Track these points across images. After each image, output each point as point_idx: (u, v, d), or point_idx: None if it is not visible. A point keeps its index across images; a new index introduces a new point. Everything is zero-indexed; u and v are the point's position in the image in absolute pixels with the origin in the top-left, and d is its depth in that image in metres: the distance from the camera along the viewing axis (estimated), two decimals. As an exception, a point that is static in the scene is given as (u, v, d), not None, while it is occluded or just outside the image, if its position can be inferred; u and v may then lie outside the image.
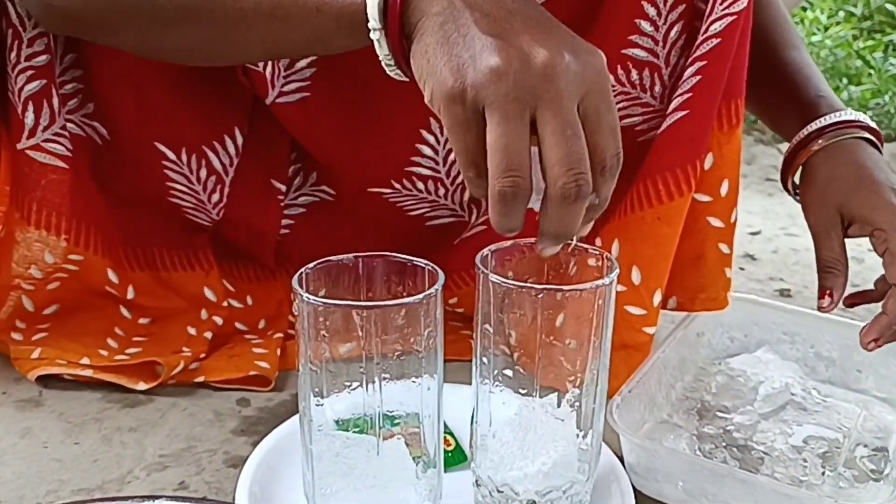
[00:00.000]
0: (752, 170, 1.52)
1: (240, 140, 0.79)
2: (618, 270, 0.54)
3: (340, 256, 0.54)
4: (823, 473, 0.64)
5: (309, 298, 0.49)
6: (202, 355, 0.79)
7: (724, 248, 0.77)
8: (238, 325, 0.84)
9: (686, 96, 0.69)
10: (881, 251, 0.73)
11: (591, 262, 0.56)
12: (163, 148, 0.78)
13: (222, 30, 0.61)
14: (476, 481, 0.59)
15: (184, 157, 0.78)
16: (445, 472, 0.59)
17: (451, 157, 0.79)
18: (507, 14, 0.51)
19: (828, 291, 0.75)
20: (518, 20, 0.51)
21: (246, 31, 0.60)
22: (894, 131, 1.73)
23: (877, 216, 0.73)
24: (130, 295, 0.82)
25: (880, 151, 0.78)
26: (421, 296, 0.50)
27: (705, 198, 0.75)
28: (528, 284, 0.52)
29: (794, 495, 0.58)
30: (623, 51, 0.71)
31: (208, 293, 0.84)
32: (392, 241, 0.84)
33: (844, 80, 1.94)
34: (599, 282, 0.53)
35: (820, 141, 0.77)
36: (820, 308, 0.75)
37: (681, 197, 0.71)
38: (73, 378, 0.76)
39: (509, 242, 0.57)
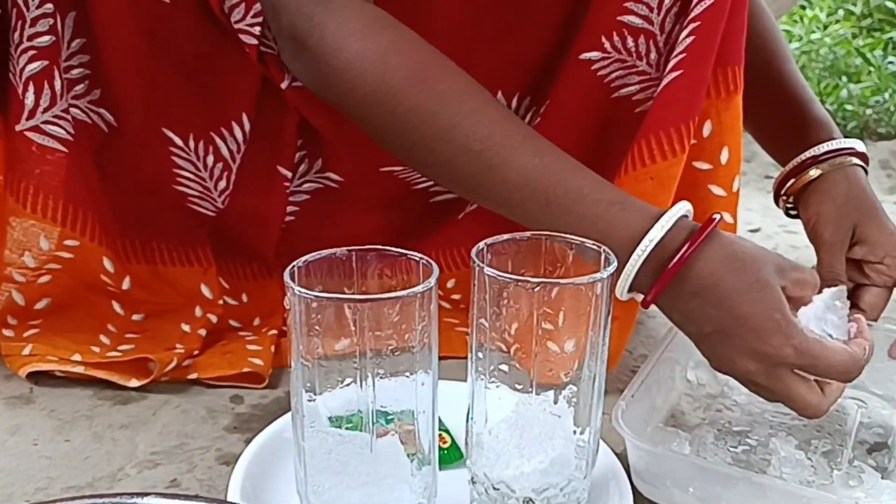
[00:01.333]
0: (751, 167, 1.51)
1: (247, 126, 0.78)
2: (615, 264, 0.53)
3: (333, 250, 0.53)
4: (831, 473, 0.63)
5: (301, 292, 0.48)
6: (195, 352, 0.78)
7: (727, 217, 0.76)
8: (232, 322, 0.83)
9: (680, 57, 0.69)
10: (886, 279, 0.77)
11: (589, 255, 0.56)
12: (170, 134, 0.77)
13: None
14: (472, 479, 0.58)
15: (191, 144, 0.78)
16: (441, 469, 0.58)
17: None
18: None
19: None
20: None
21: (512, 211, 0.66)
22: (894, 129, 1.72)
23: (892, 245, 0.77)
24: (126, 286, 0.81)
25: None
26: (415, 289, 0.49)
27: (705, 165, 0.75)
28: (525, 278, 0.51)
29: (814, 497, 0.57)
30: (618, 17, 0.72)
31: (205, 290, 0.84)
32: (396, 222, 0.85)
33: (844, 78, 1.93)
34: (597, 275, 0.52)
35: (838, 160, 0.79)
36: None
37: (673, 157, 0.71)
38: (64, 375, 0.75)
39: (506, 236, 0.56)
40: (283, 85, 0.73)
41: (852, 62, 2.01)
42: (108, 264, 0.80)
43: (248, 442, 0.63)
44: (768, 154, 0.89)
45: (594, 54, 0.74)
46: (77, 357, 0.76)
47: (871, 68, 1.91)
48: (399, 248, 0.54)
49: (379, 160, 0.79)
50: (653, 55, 0.73)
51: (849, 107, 1.80)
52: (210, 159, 0.79)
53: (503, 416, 0.55)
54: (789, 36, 2.06)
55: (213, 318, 0.82)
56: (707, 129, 0.74)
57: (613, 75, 0.75)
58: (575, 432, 0.55)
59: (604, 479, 0.61)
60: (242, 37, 0.70)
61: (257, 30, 0.70)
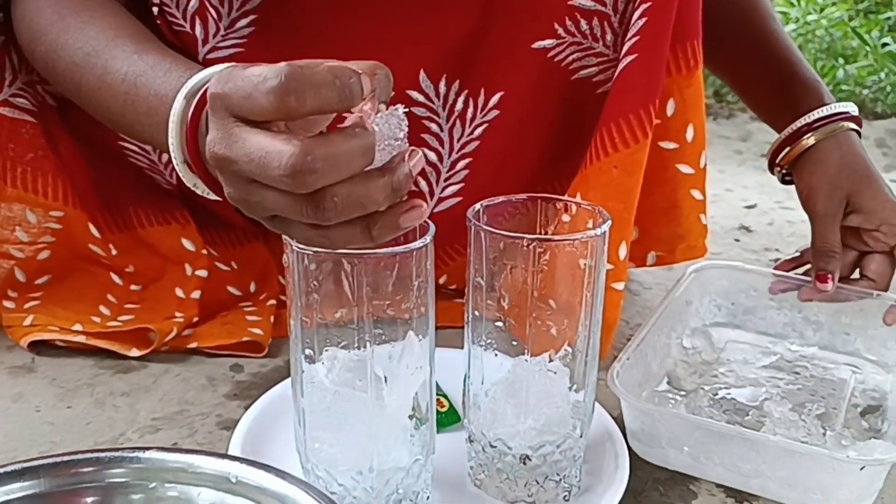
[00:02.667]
0: (747, 146, 1.52)
1: None
2: (610, 222, 0.54)
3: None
4: (824, 434, 0.64)
5: (299, 248, 0.49)
6: (195, 319, 0.78)
7: (696, 194, 0.77)
8: (231, 290, 0.83)
9: (633, 40, 0.68)
10: (884, 245, 0.77)
11: (585, 216, 0.56)
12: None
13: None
14: (469, 437, 0.58)
15: None
16: (439, 432, 0.59)
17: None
18: None
19: (829, 275, 0.76)
20: None
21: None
22: (890, 108, 1.73)
23: (888, 212, 0.76)
24: (114, 252, 0.81)
25: None
26: (411, 245, 0.49)
27: (671, 145, 0.75)
28: (520, 234, 0.52)
29: (806, 452, 0.58)
30: (569, 2, 0.71)
31: (187, 244, 0.82)
32: None
33: (840, 60, 1.93)
34: (591, 232, 0.53)
35: (829, 127, 0.78)
36: (822, 291, 0.76)
37: (636, 144, 0.70)
38: (65, 345, 0.76)
39: (501, 198, 0.57)
40: (200, 57, 0.73)
41: (849, 43, 2.01)
42: (93, 230, 0.80)
43: (248, 408, 0.64)
44: (757, 115, 0.89)
45: (548, 42, 0.73)
46: (78, 327, 0.76)
47: (868, 49, 1.92)
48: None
49: None
50: (608, 36, 0.72)
51: (845, 87, 1.80)
52: None
53: (499, 377, 0.56)
54: (786, 18, 2.06)
55: (203, 273, 0.81)
56: (670, 107, 0.73)
57: (570, 58, 0.74)
58: (570, 391, 0.56)
59: (600, 440, 0.62)
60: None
61: None
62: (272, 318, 0.80)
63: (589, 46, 0.73)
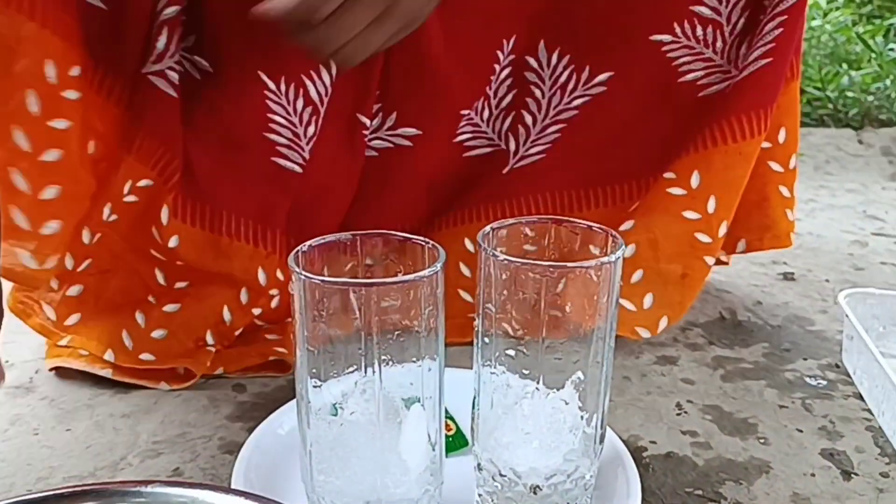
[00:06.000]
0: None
1: (333, 69, 0.77)
2: (623, 249, 0.52)
3: (337, 235, 0.53)
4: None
5: (305, 277, 0.48)
6: (218, 348, 0.77)
7: (784, 191, 0.88)
8: (252, 310, 0.80)
9: (770, 46, 0.79)
10: None
11: (596, 241, 0.55)
12: (265, 77, 0.75)
13: None
14: (478, 465, 0.57)
15: (282, 87, 0.76)
16: (447, 457, 0.58)
17: (503, 75, 0.85)
18: None
19: None
20: None
21: None
22: (895, 115, 1.72)
23: None
24: (173, 244, 0.74)
25: None
26: (421, 273, 0.48)
27: (766, 144, 0.85)
28: (532, 261, 0.51)
29: None
30: (690, 6, 0.80)
31: (261, 275, 0.79)
32: (435, 185, 0.88)
33: (844, 66, 1.92)
34: (604, 259, 0.51)
35: None
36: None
37: (759, 135, 0.81)
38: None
39: (512, 220, 0.56)
40: None
41: (852, 49, 2.00)
42: (164, 215, 0.74)
43: (250, 430, 0.63)
44: None
45: (665, 37, 0.81)
46: (109, 354, 0.74)
47: (872, 55, 1.91)
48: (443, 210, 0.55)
49: (456, 102, 0.83)
50: (719, 44, 0.81)
51: (850, 94, 1.79)
52: (300, 103, 0.77)
53: (509, 403, 0.55)
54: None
55: (257, 311, 0.79)
56: None
57: (681, 60, 0.82)
58: (582, 419, 0.55)
59: (611, 465, 0.61)
60: None
61: None
62: (293, 336, 0.78)
63: (700, 52, 0.81)
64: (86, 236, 0.72)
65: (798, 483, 0.63)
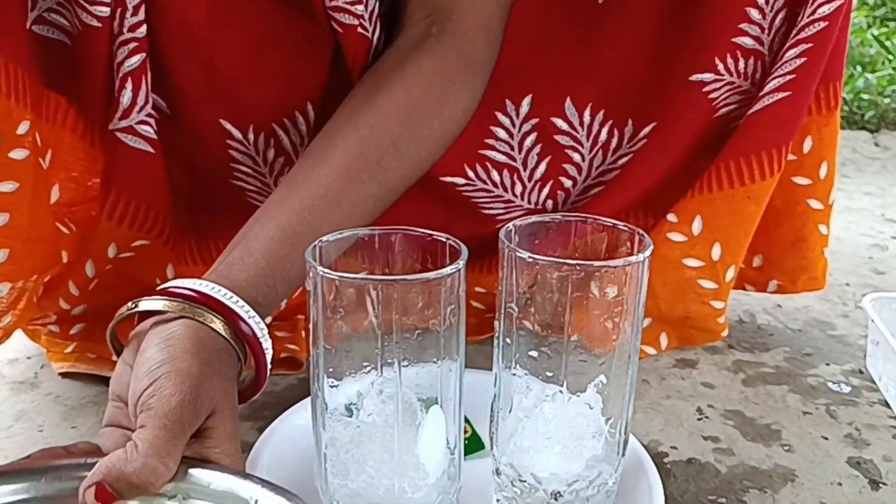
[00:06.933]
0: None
1: (312, 116, 0.71)
2: (651, 248, 0.51)
3: (356, 230, 0.51)
4: None
5: (323, 272, 0.46)
6: None
7: (822, 228, 0.79)
8: None
9: (789, 77, 0.69)
10: None
11: (623, 238, 0.53)
12: (228, 126, 0.70)
13: None
14: (496, 470, 0.55)
15: (251, 137, 0.71)
16: (464, 460, 0.56)
17: (528, 143, 0.77)
18: None
19: None
20: None
21: None
22: (912, 118, 1.70)
23: None
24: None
25: None
26: (442, 271, 0.46)
27: (805, 181, 0.77)
28: (557, 259, 0.49)
29: None
30: (733, 39, 0.71)
31: None
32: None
33: (859, 68, 1.90)
34: (631, 259, 0.49)
35: None
36: None
37: (772, 177, 0.72)
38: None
39: (534, 218, 0.54)
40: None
41: (867, 51, 1.98)
42: (169, 272, 0.74)
43: (260, 430, 0.61)
44: None
45: (707, 76, 0.72)
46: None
47: (890, 57, 1.89)
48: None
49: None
50: (758, 75, 0.72)
51: (865, 96, 1.77)
52: (271, 153, 0.72)
53: (531, 405, 0.53)
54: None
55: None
56: (807, 145, 0.74)
57: (721, 95, 0.73)
58: (605, 423, 0.53)
59: (633, 471, 0.59)
60: (339, 15, 0.64)
61: (359, 8, 0.64)
62: (304, 333, 0.77)
63: (738, 86, 0.72)
64: (73, 289, 0.70)
65: (825, 492, 0.62)
